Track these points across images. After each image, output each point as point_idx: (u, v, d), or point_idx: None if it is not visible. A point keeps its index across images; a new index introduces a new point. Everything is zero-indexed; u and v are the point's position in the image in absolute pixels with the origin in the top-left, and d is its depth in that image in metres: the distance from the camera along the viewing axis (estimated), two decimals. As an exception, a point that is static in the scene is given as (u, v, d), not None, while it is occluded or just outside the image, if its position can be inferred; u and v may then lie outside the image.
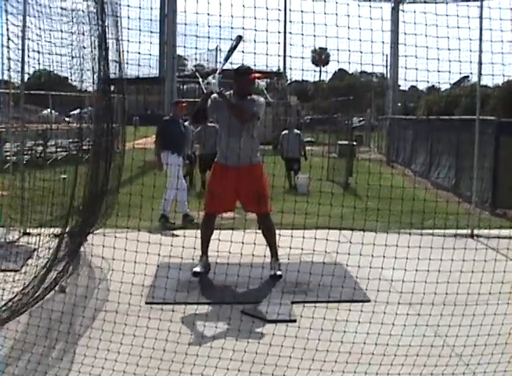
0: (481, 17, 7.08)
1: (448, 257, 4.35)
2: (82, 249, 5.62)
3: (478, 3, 7.60)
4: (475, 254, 4.39)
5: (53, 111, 19.55)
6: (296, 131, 14.32)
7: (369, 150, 23.96)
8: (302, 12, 4.50)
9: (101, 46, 5.02)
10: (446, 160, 13.34)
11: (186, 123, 9.09)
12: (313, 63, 65.10)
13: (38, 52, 5.59)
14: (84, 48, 5.18)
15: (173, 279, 5.02)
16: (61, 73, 7.52)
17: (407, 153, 17.78)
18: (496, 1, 6.56)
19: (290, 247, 4.60)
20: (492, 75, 5.60)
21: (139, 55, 4.82)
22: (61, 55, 5.47)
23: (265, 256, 5.55)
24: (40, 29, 5.61)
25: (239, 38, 5.46)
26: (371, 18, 4.51)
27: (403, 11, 20.24)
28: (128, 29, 4.91)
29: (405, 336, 3.83)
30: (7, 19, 6.09)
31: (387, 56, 20.56)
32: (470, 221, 7.70)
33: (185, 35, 5.25)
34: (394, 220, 5.77)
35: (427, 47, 4.58)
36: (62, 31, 5.48)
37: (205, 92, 5.71)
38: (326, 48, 49.96)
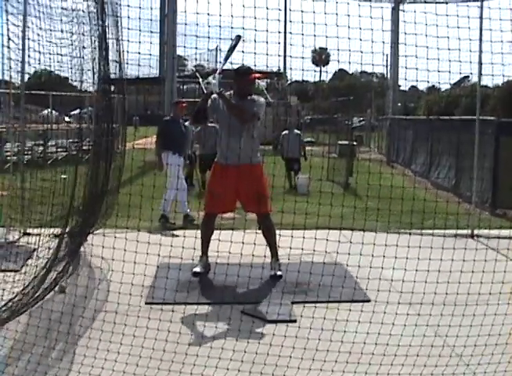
0: (481, 17, 7.08)
1: (449, 257, 4.35)
2: (82, 249, 5.62)
3: (478, 3, 7.61)
4: (475, 254, 4.38)
5: (53, 111, 19.54)
6: (296, 131, 14.32)
7: (370, 150, 23.95)
8: (302, 12, 4.50)
9: (101, 46, 5.01)
10: (446, 160, 13.34)
11: (187, 123, 9.09)
12: (313, 63, 65.11)
13: (39, 52, 5.59)
14: (84, 48, 5.18)
15: (173, 279, 5.01)
16: (61, 73, 7.52)
17: (407, 153, 17.78)
18: (496, 2, 6.57)
19: (291, 248, 4.60)
20: (492, 75, 5.61)
21: (139, 55, 4.82)
22: (61, 55, 5.47)
23: (265, 256, 5.55)
24: (40, 29, 5.62)
25: (238, 38, 5.46)
26: (371, 17, 4.51)
27: (403, 11, 20.24)
28: (128, 29, 4.92)
29: (405, 336, 3.83)
30: (7, 20, 6.10)
31: (387, 55, 20.58)
32: (470, 221, 7.70)
33: (185, 35, 5.25)
34: (394, 220, 5.78)
35: (427, 47, 4.58)
36: (62, 31, 5.48)
37: (205, 92, 5.71)
38: (327, 48, 49.99)
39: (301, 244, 4.47)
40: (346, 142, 15.07)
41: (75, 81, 5.40)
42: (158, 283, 5.11)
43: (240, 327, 4.12)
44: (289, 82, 41.67)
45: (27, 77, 7.60)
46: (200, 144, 11.90)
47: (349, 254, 4.51)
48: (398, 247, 4.28)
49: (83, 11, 5.20)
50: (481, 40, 7.10)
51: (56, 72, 7.85)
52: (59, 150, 18.15)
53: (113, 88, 5.89)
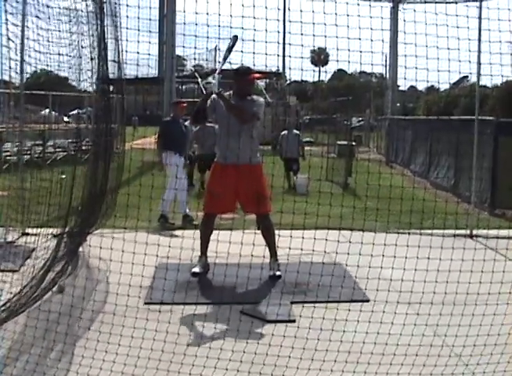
0: (479, 17, 7.09)
1: (447, 257, 4.35)
2: (81, 249, 5.61)
3: (477, 3, 7.61)
4: (474, 254, 4.38)
5: (53, 111, 19.54)
6: (295, 131, 14.32)
7: (369, 150, 23.96)
8: (301, 11, 4.50)
9: (100, 46, 5.01)
10: (445, 160, 13.34)
11: (187, 123, 9.09)
12: (312, 63, 65.18)
13: (38, 52, 5.59)
14: (83, 47, 5.18)
15: (171, 280, 5.00)
16: (60, 73, 7.52)
17: (406, 153, 17.78)
18: (495, 2, 6.56)
19: (290, 248, 4.59)
20: (491, 75, 5.60)
21: (138, 55, 4.82)
22: (60, 55, 5.47)
23: (264, 256, 5.54)
24: (40, 29, 5.61)
25: (236, 38, 5.46)
26: (371, 17, 4.51)
27: (403, 10, 20.25)
28: (127, 29, 4.92)
29: (404, 335, 3.82)
30: (7, 19, 6.08)
31: (386, 55, 20.59)
32: (469, 221, 7.70)
33: (184, 35, 5.24)
34: (393, 220, 5.78)
35: (426, 46, 4.58)
36: (61, 31, 5.48)
37: (205, 92, 5.70)
38: (326, 48, 50.08)
39: (300, 244, 4.46)
40: (345, 143, 15.07)
41: (74, 80, 5.41)
42: (156, 283, 5.09)
43: (239, 328, 4.11)
44: (288, 82, 41.69)
45: (26, 77, 7.59)
46: (198, 144, 11.89)
47: (348, 254, 4.51)
48: (397, 246, 4.28)
49: (82, 11, 5.20)
50: (479, 40, 7.10)
51: (55, 72, 7.85)
52: (58, 150, 18.14)
53: (111, 88, 5.89)
